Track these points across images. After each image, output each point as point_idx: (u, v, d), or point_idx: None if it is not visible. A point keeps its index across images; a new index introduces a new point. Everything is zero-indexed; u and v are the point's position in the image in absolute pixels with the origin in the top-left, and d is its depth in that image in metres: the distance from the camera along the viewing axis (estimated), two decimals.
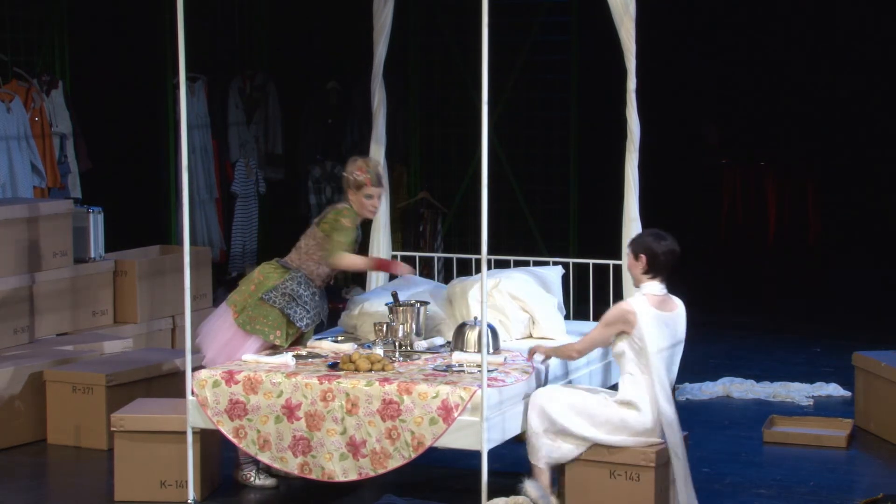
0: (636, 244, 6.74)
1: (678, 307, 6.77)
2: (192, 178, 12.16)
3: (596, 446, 6.60)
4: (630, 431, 6.57)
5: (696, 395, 9.41)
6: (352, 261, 7.44)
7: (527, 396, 6.79)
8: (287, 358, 7.09)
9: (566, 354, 7.01)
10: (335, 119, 12.79)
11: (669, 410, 6.56)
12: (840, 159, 15.34)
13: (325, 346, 7.54)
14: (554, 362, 7.19)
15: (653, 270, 6.67)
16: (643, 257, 6.68)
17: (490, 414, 6.50)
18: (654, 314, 6.60)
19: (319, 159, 12.88)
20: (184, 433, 7.06)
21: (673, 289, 6.82)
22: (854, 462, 7.95)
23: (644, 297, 6.66)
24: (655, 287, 6.68)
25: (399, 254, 8.90)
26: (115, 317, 9.83)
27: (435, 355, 7.33)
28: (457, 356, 7.11)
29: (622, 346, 6.64)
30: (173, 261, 9.86)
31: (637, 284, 6.77)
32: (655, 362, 6.55)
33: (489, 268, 7.22)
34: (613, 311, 6.67)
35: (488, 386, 6.52)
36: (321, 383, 6.71)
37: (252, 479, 7.36)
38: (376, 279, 8.69)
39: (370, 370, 6.86)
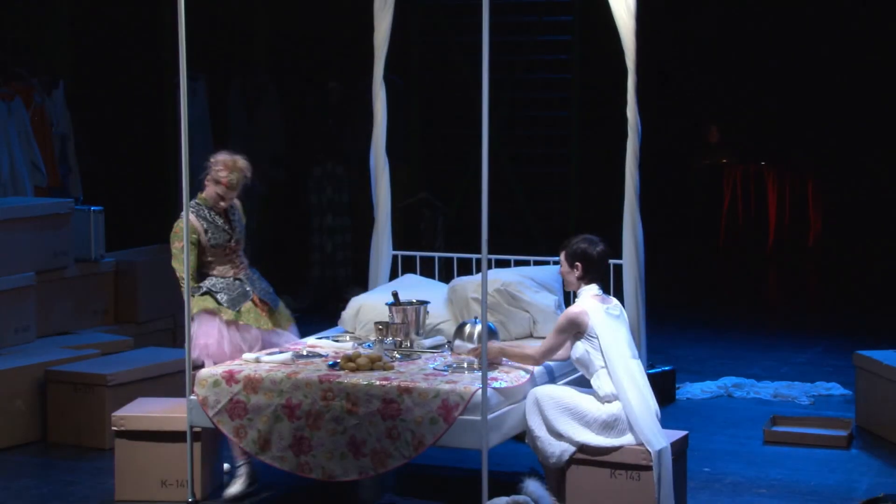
0: (570, 252, 6.85)
1: (616, 301, 6.93)
2: (192, 177, 12.14)
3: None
4: (621, 424, 6.58)
5: (696, 395, 9.40)
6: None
7: (526, 396, 6.79)
8: (287, 357, 7.09)
9: (523, 361, 6.95)
10: (335, 119, 12.79)
11: (649, 419, 6.58)
12: (840, 159, 15.33)
13: (326, 345, 7.54)
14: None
15: (589, 275, 6.82)
16: (579, 264, 6.80)
17: (490, 414, 6.50)
18: (601, 308, 6.75)
19: (319, 159, 12.88)
20: (184, 433, 7.06)
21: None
22: (854, 462, 7.94)
23: (588, 298, 6.79)
24: (595, 289, 6.83)
25: (399, 253, 8.89)
26: (115, 317, 9.82)
27: (435, 355, 7.33)
28: (458, 345, 7.06)
29: (581, 347, 6.73)
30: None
31: (572, 289, 6.92)
32: (613, 352, 6.65)
33: (489, 268, 7.22)
34: (563, 318, 6.82)
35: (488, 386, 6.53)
36: (321, 382, 6.70)
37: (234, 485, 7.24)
38: (376, 279, 8.67)
39: (370, 370, 6.85)
